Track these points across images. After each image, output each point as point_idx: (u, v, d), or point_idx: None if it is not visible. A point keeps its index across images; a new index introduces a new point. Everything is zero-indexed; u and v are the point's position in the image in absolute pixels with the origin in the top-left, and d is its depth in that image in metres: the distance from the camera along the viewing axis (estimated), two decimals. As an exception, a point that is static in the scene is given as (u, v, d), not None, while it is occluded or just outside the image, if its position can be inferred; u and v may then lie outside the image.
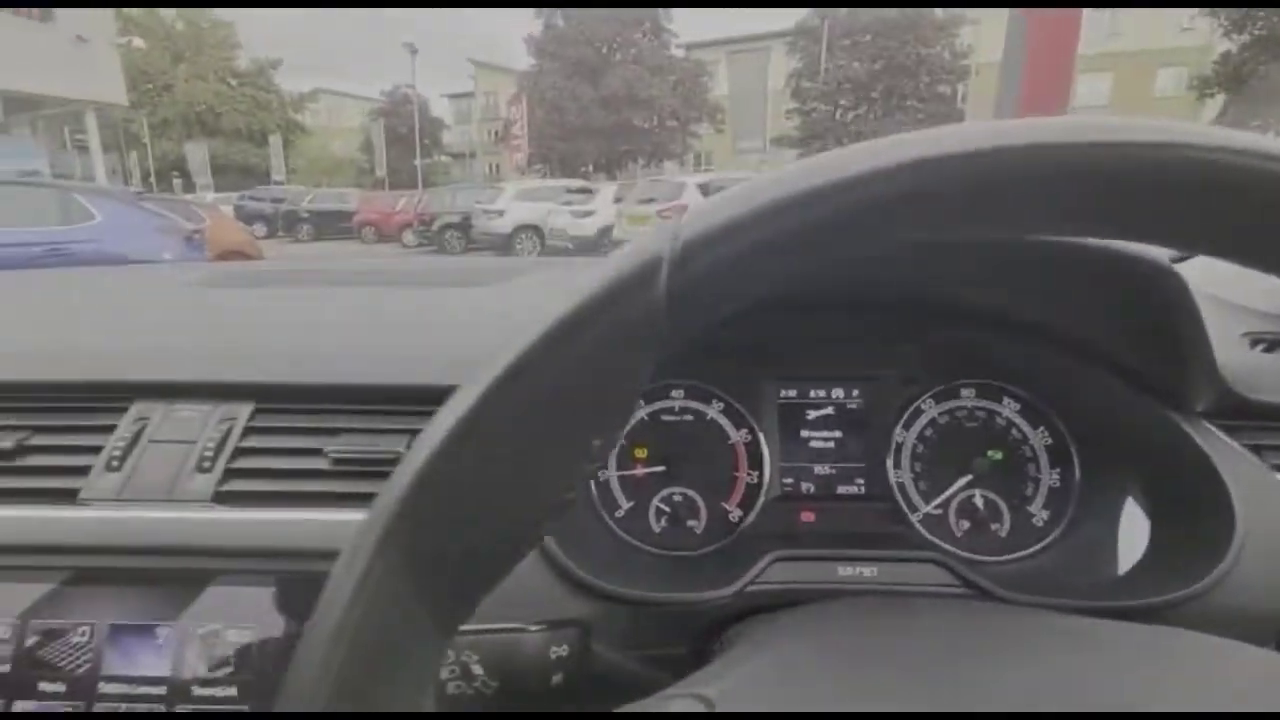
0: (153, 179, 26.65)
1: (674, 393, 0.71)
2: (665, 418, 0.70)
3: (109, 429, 0.61)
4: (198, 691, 0.52)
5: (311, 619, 0.26)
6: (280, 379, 0.62)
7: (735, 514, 0.69)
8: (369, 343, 0.67)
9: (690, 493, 0.69)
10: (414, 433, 0.59)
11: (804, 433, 0.70)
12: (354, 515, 0.55)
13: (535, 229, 13.38)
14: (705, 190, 11.22)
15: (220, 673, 0.52)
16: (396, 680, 0.26)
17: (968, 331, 0.67)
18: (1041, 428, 0.68)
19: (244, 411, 0.62)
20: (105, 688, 0.52)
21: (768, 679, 0.29)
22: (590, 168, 29.11)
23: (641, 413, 0.70)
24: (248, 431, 0.60)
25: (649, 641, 0.54)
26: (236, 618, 0.53)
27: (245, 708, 0.52)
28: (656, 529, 0.69)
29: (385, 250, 17.16)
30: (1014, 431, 0.68)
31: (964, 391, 0.69)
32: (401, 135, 32.82)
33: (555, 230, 12.88)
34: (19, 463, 0.60)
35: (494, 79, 41.58)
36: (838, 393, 0.70)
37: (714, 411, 0.70)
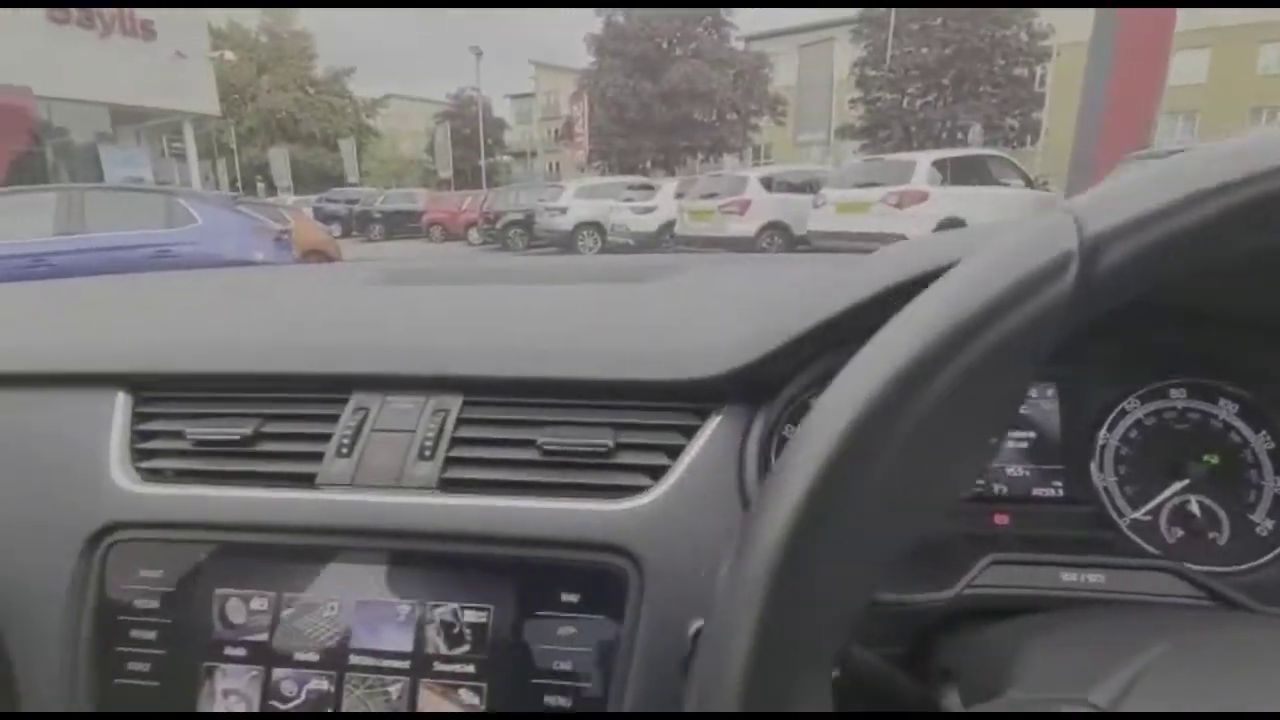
0: (239, 184, 28.33)
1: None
2: None
3: (334, 418, 0.65)
4: (439, 667, 0.55)
5: (715, 617, 0.27)
6: (489, 373, 0.65)
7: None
8: (566, 338, 0.69)
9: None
10: (618, 426, 0.61)
11: (993, 432, 0.68)
12: (571, 505, 0.58)
13: (597, 225, 13.52)
14: (768, 184, 11.05)
15: (458, 650, 0.55)
16: (801, 680, 0.26)
17: (1178, 328, 0.64)
18: (1264, 431, 0.64)
19: (454, 403, 0.65)
20: (355, 659, 0.56)
21: (1157, 685, 0.28)
22: (649, 164, 29.14)
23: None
24: (461, 422, 0.63)
25: (871, 642, 0.54)
26: (470, 599, 0.56)
27: (484, 684, 0.55)
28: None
29: (453, 248, 17.68)
30: (1233, 435, 0.65)
31: (1173, 392, 0.66)
32: (465, 136, 33.79)
33: (617, 226, 12.98)
34: (258, 448, 0.65)
35: (554, 79, 42.21)
36: (1032, 391, 0.68)
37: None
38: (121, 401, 0.69)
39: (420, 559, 0.58)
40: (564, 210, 13.70)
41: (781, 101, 28.20)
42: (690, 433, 0.61)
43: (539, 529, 0.57)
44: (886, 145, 24.55)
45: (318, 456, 0.63)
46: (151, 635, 0.59)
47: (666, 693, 0.52)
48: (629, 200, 13.13)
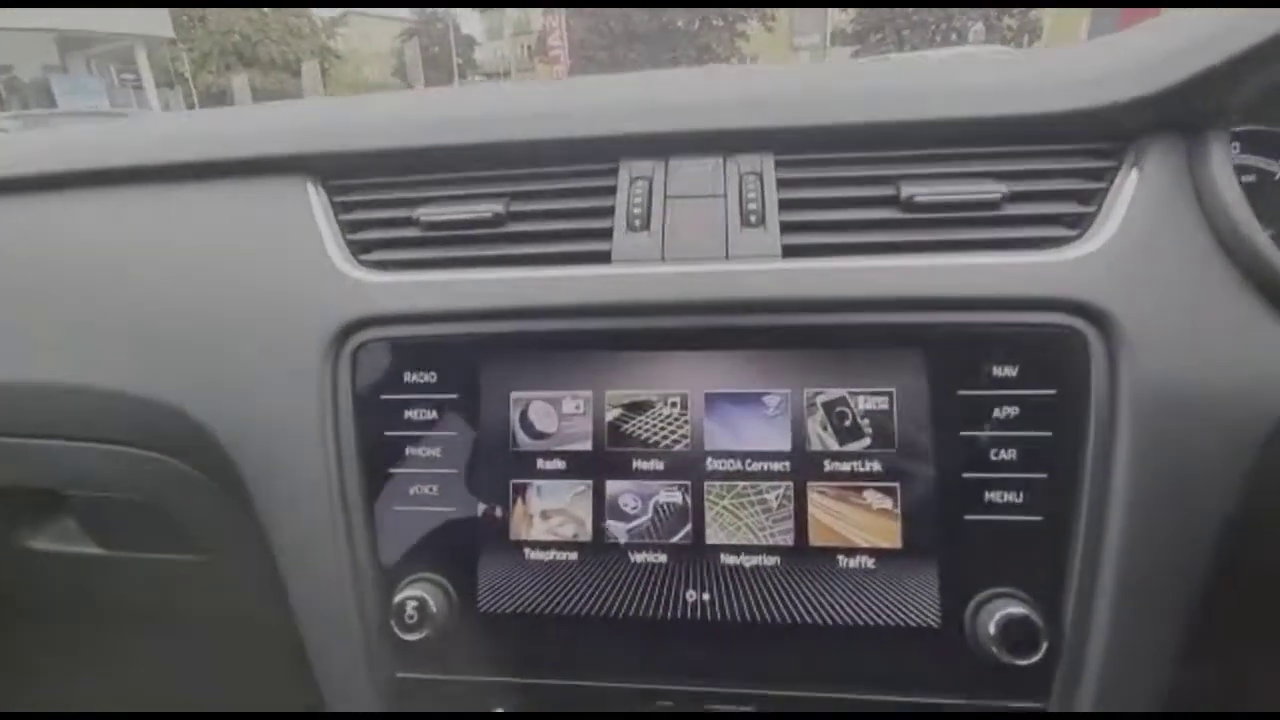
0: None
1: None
2: None
3: (606, 191, 0.51)
4: (832, 466, 0.43)
5: None
6: (810, 121, 0.50)
7: None
8: (896, 78, 0.53)
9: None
10: (1001, 175, 0.47)
11: None
12: (989, 259, 0.44)
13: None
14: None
15: (855, 445, 0.43)
16: None
17: None
18: None
19: (764, 163, 0.50)
20: (714, 464, 0.44)
21: None
22: (633, 79, 27.68)
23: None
24: (784, 184, 0.49)
25: None
26: (862, 383, 0.44)
27: (895, 484, 0.43)
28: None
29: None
30: None
31: None
32: (433, 55, 31.74)
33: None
34: (515, 229, 0.50)
35: (525, -12, 39.36)
36: None
37: None
38: (323, 190, 0.53)
39: (785, 338, 0.45)
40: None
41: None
42: (1101, 175, 0.47)
43: (953, 287, 0.43)
44: (880, 49, 23.46)
45: (600, 234, 0.49)
46: (434, 452, 0.46)
47: (1172, 481, 0.40)
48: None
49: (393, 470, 0.47)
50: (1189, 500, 0.40)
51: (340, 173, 0.54)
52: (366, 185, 0.54)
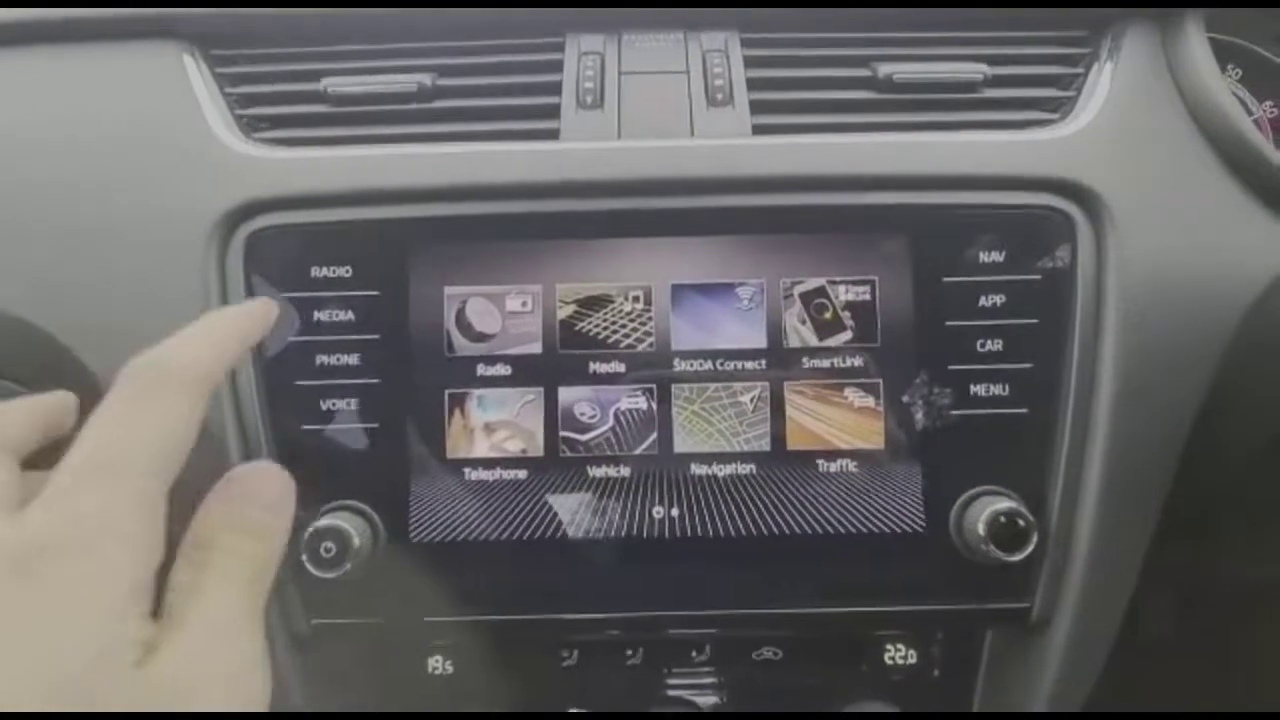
0: None
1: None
2: None
3: (552, 65, 0.44)
4: (811, 363, 0.39)
5: None
6: None
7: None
8: None
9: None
10: (979, 58, 0.44)
11: None
12: (972, 136, 0.41)
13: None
14: None
15: (836, 339, 0.39)
16: None
17: None
18: None
19: (728, 40, 0.45)
20: (682, 364, 0.39)
21: None
22: None
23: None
24: (752, 62, 0.44)
25: None
26: (842, 271, 0.40)
27: (878, 381, 0.39)
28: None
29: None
30: None
31: None
32: None
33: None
34: (445, 104, 0.43)
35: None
36: None
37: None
38: (202, 60, 0.44)
39: (758, 221, 0.40)
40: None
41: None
42: (1079, 60, 0.44)
43: (936, 165, 0.40)
44: None
45: (546, 111, 0.42)
46: (351, 360, 0.39)
47: (1156, 363, 0.38)
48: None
49: (300, 383, 0.39)
50: (1171, 382, 0.39)
51: (223, 41, 0.45)
52: (260, 56, 0.45)
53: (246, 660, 0.22)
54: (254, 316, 0.29)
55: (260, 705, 0.22)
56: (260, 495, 0.26)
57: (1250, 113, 0.48)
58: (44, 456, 0.26)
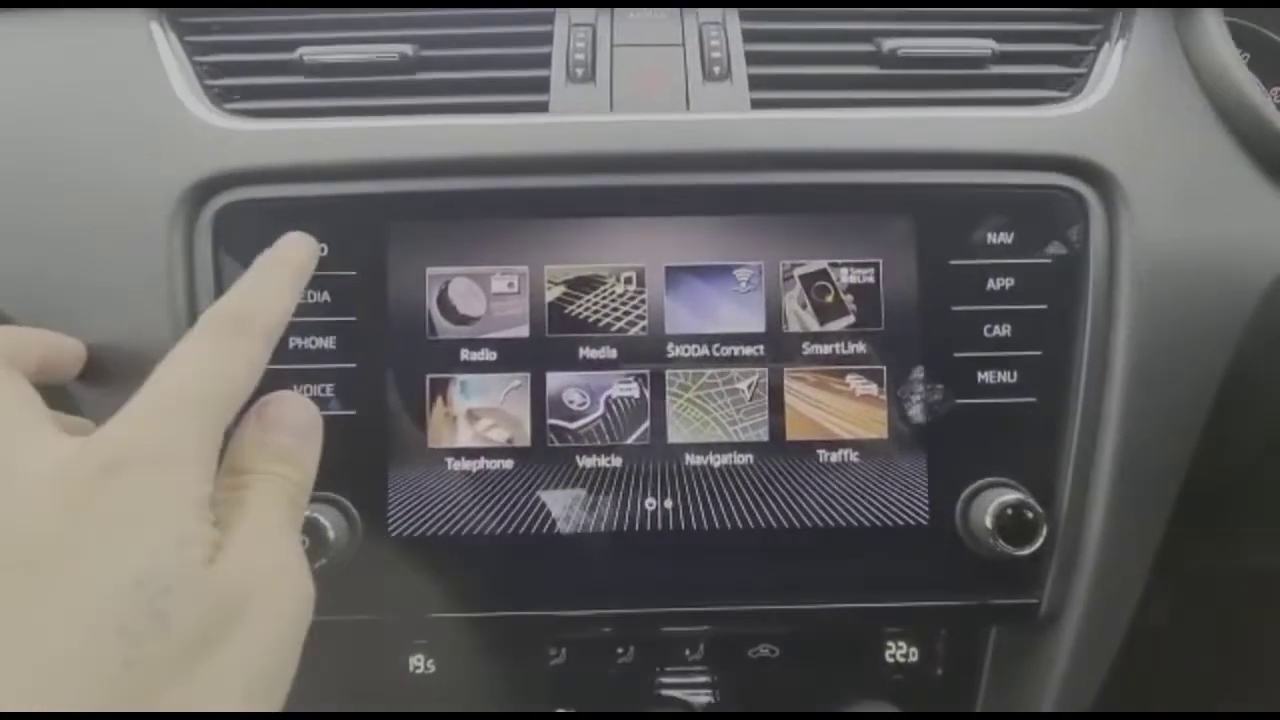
0: None
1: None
2: None
3: (541, 37, 0.42)
4: (812, 349, 0.37)
5: None
6: None
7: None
8: None
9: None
10: (986, 34, 0.42)
11: None
12: (980, 113, 0.39)
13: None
14: None
15: (837, 324, 0.38)
16: None
17: None
18: None
19: (729, 14, 0.43)
20: (676, 349, 0.37)
21: None
22: None
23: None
24: (751, 36, 0.42)
25: None
26: (844, 252, 0.38)
27: (881, 368, 0.37)
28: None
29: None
30: None
31: None
32: None
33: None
34: (428, 76, 0.40)
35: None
36: None
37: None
38: (170, 29, 0.42)
39: (758, 199, 0.38)
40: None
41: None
42: (1090, 38, 0.43)
43: (943, 141, 0.38)
44: None
45: (535, 84, 0.40)
46: (325, 343, 0.37)
47: (1170, 352, 0.37)
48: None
49: (272, 366, 0.37)
50: (1186, 369, 0.37)
51: (194, 8, 0.43)
52: (232, 24, 0.43)
53: (295, 562, 0.24)
54: (302, 256, 0.30)
55: (309, 603, 0.23)
56: (288, 423, 0.27)
57: (1259, 97, 0.47)
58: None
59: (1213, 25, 0.41)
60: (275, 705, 0.22)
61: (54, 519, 0.20)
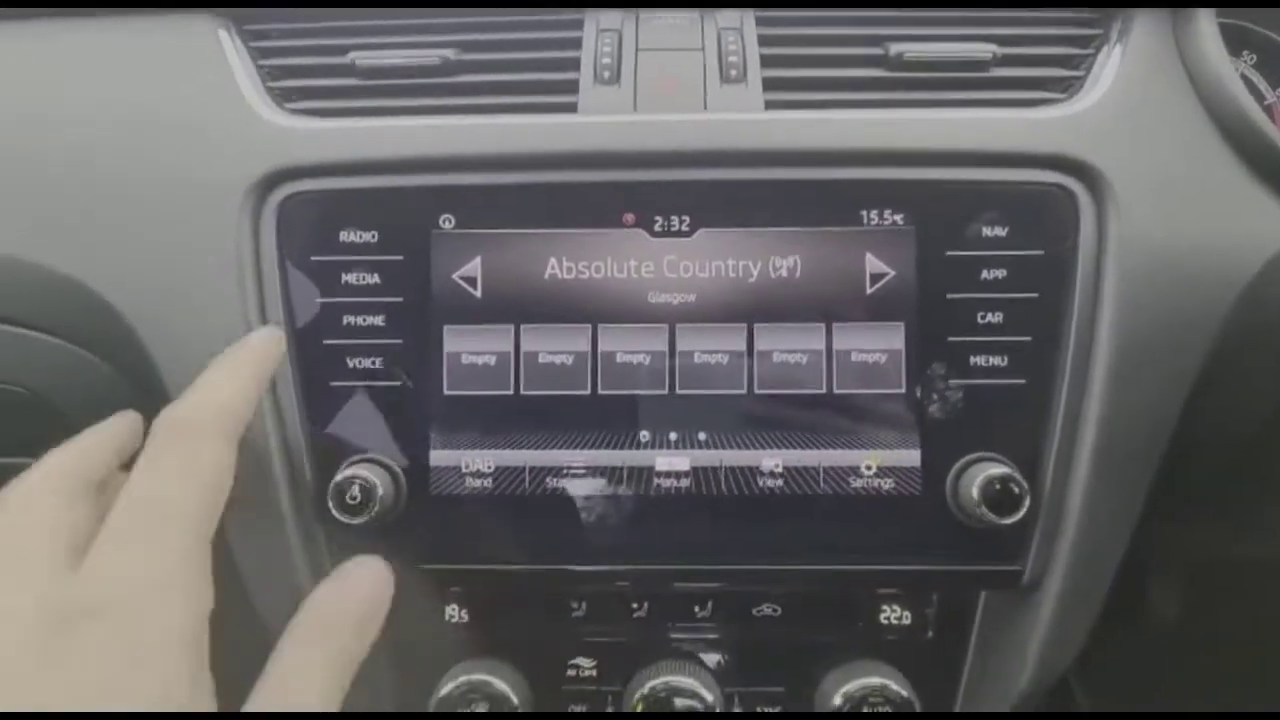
0: None
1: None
2: None
3: (571, 42, 0.45)
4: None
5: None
6: None
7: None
8: None
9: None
10: (988, 38, 0.45)
11: None
12: (980, 113, 0.42)
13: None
14: None
15: (840, 309, 0.41)
16: None
17: None
18: None
19: (743, 19, 0.46)
20: (695, 319, 0.41)
21: None
22: None
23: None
24: (766, 40, 0.45)
25: None
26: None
27: (884, 354, 0.41)
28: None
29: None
30: None
31: None
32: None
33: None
34: (464, 79, 0.44)
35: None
36: None
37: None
38: (236, 33, 0.46)
39: (764, 197, 0.41)
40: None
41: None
42: (1089, 42, 0.45)
43: (944, 141, 0.41)
44: None
45: (565, 86, 0.44)
46: (376, 320, 0.41)
47: (1152, 339, 0.39)
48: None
49: (328, 342, 0.41)
50: (1166, 358, 0.40)
51: (256, 15, 0.47)
52: (291, 30, 0.47)
53: None
54: (268, 351, 0.31)
55: None
56: (363, 591, 0.28)
57: (1262, 98, 0.49)
58: None
59: (1206, 30, 0.43)
60: None
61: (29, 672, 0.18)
